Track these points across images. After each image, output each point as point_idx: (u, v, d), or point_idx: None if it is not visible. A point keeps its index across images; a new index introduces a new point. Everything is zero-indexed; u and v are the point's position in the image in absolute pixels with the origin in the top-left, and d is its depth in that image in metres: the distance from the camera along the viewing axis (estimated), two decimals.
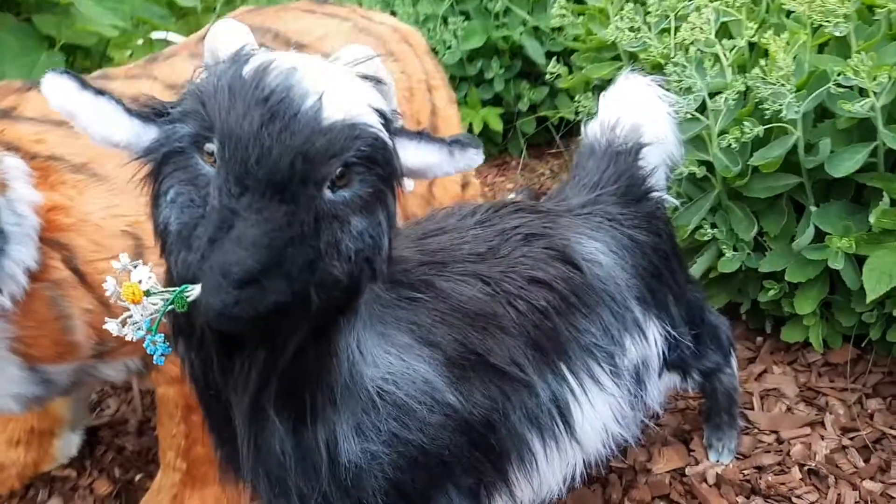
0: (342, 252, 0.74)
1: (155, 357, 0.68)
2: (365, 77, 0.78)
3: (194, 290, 0.68)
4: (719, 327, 1.39)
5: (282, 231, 0.67)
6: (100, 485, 1.65)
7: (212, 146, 0.71)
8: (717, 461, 1.46)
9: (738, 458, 1.46)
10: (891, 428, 1.46)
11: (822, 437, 1.48)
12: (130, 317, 0.67)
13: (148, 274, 0.67)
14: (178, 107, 0.74)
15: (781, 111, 1.33)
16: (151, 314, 0.67)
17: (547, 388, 1.01)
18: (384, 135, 0.76)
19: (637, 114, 1.32)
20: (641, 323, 1.16)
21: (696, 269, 1.63)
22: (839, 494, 1.35)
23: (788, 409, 1.56)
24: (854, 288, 1.44)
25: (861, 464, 1.41)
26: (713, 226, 1.60)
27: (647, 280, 1.18)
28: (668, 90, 1.38)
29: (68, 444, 1.68)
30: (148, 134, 0.76)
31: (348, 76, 0.76)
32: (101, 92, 0.75)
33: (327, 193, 0.72)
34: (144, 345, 0.68)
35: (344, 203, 0.73)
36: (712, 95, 1.49)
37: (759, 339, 1.76)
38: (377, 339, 0.89)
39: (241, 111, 0.69)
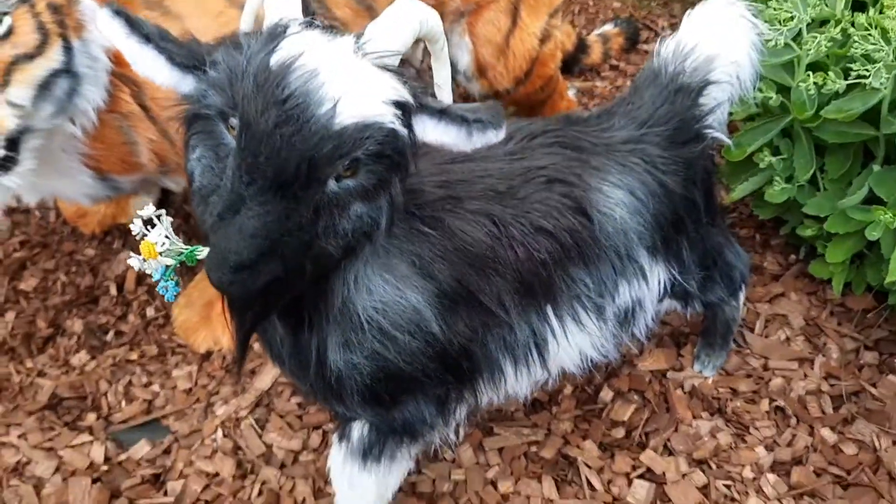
0: (339, 233, 0.82)
1: (167, 297, 0.81)
2: (390, 65, 0.81)
3: (203, 252, 0.79)
4: (734, 267, 1.43)
5: (280, 223, 0.76)
6: None
7: (235, 121, 0.77)
8: (700, 372, 1.58)
9: (719, 374, 1.58)
10: (872, 385, 1.54)
11: (805, 377, 1.56)
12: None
13: (162, 234, 0.78)
14: (212, 67, 0.80)
15: (868, 75, 1.26)
16: (165, 266, 0.79)
17: (527, 328, 1.12)
18: (399, 128, 0.81)
19: (717, 43, 1.27)
20: (646, 270, 1.22)
21: (743, 188, 1.63)
22: (793, 436, 1.47)
23: (787, 339, 1.63)
24: (888, 256, 1.44)
25: (829, 411, 1.51)
26: (774, 152, 1.57)
27: (664, 229, 1.23)
28: (760, 19, 1.31)
29: (142, 204, 1.89)
30: (185, 83, 0.82)
31: (372, 71, 0.79)
32: (146, 38, 0.80)
33: (331, 185, 0.79)
34: (157, 288, 0.81)
35: (346, 191, 0.80)
36: (811, 26, 1.39)
37: (793, 257, 1.78)
38: (378, 269, 1.00)
39: (260, 107, 0.74)
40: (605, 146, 1.21)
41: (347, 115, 0.76)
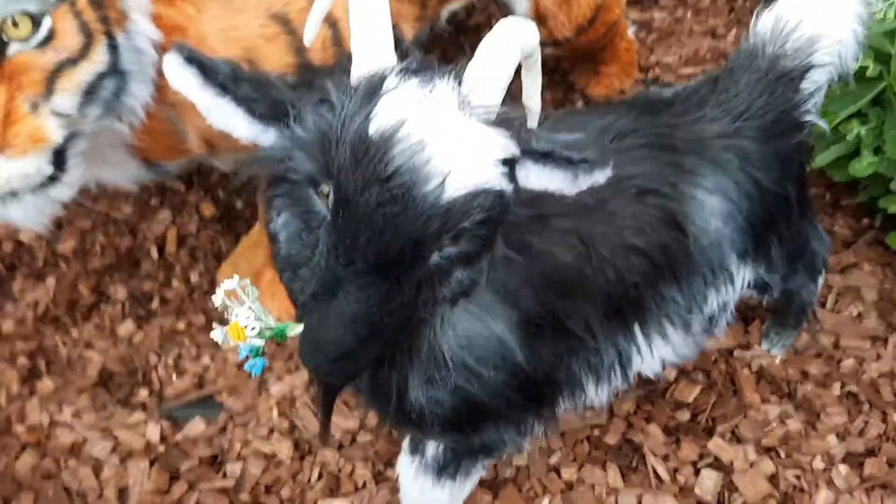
0: (438, 301, 0.75)
1: (253, 373, 0.75)
2: (497, 115, 0.71)
3: (295, 329, 0.72)
4: (818, 254, 1.35)
5: (381, 306, 0.69)
6: (205, 207, 1.81)
7: (328, 188, 0.69)
8: (768, 351, 1.53)
9: (788, 353, 1.52)
10: None
11: (879, 357, 1.51)
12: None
13: (251, 314, 0.71)
14: (298, 123, 0.70)
15: None
16: (253, 346, 0.72)
17: (613, 350, 1.06)
18: (507, 186, 0.72)
19: (821, 20, 1.15)
20: (734, 275, 1.15)
21: (824, 157, 1.52)
22: (866, 423, 1.43)
23: (859, 315, 1.57)
24: None
25: None
26: (862, 121, 1.45)
27: (756, 231, 1.14)
28: None
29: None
30: (267, 136, 0.73)
31: (480, 130, 0.69)
32: (223, 88, 0.70)
33: (433, 257, 0.71)
34: (245, 367, 0.74)
35: (448, 261, 0.73)
36: None
37: (866, 220, 1.69)
38: (462, 302, 0.93)
39: (360, 184, 0.65)
40: (697, 142, 1.11)
41: (456, 188, 0.67)
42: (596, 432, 1.45)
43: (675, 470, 1.41)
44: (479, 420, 1.02)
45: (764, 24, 1.18)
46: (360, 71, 0.71)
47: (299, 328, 0.72)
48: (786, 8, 1.17)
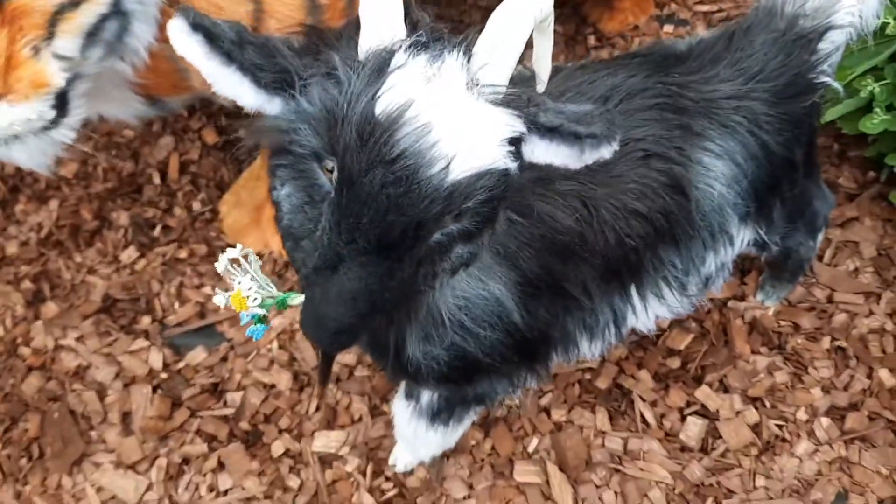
0: (438, 275, 0.76)
1: (254, 337, 0.76)
2: (506, 94, 0.70)
3: (296, 299, 0.73)
4: (819, 213, 1.35)
5: (381, 283, 0.69)
6: (207, 133, 1.79)
7: (332, 164, 0.68)
8: (762, 302, 1.54)
9: (781, 304, 1.54)
10: None
11: (871, 313, 1.53)
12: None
13: (253, 284, 0.72)
14: (305, 94, 0.69)
15: None
16: (254, 315, 0.73)
17: (609, 310, 1.08)
18: (511, 164, 0.72)
19: None
20: (734, 237, 1.15)
21: (836, 111, 1.50)
22: (851, 377, 1.46)
23: (856, 270, 1.58)
24: None
25: (890, 351, 1.49)
26: (877, 78, 1.43)
27: (760, 193, 1.14)
28: None
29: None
30: (272, 105, 0.72)
31: (488, 110, 0.68)
32: (229, 56, 0.69)
33: (435, 235, 0.71)
34: (247, 332, 0.75)
35: (450, 237, 0.73)
36: None
37: (872, 174, 1.68)
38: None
39: (365, 165, 0.65)
40: (707, 103, 1.09)
41: (461, 171, 0.67)
42: (587, 376, 1.48)
43: (662, 416, 1.45)
44: (473, 374, 1.04)
45: None
46: (368, 43, 0.70)
47: (300, 298, 0.73)
48: None
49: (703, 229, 1.08)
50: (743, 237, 1.19)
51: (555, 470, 1.38)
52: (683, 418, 1.44)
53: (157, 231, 1.69)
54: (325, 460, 1.42)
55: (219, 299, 0.75)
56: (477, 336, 0.97)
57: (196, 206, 1.71)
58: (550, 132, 0.76)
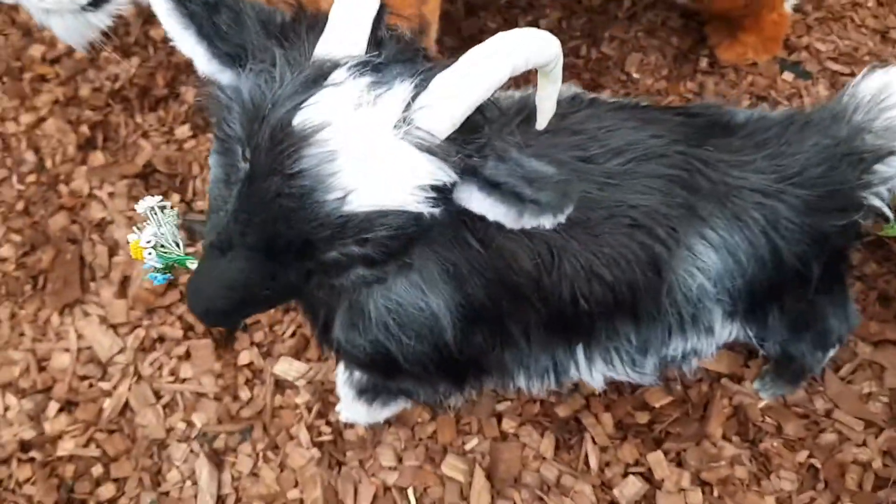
0: (333, 287, 0.76)
1: (154, 281, 0.79)
2: (437, 144, 0.68)
3: (195, 265, 0.75)
4: (832, 331, 1.26)
5: (263, 281, 0.71)
6: None
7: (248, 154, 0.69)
8: (756, 392, 1.47)
9: (776, 401, 1.47)
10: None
11: (863, 444, 1.43)
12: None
13: (148, 239, 0.74)
14: (248, 78, 0.69)
15: None
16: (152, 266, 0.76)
17: (549, 358, 1.05)
18: (428, 209, 0.70)
19: None
20: (715, 329, 1.10)
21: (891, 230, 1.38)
22: (812, 500, 1.38)
23: (869, 395, 1.47)
24: None
25: (867, 488, 1.40)
26: None
27: (755, 296, 1.07)
28: None
29: None
30: (224, 76, 0.72)
31: (409, 155, 0.67)
32: (190, 17, 0.70)
33: (330, 253, 0.71)
34: (145, 277, 0.79)
35: (349, 258, 0.73)
36: None
37: None
38: (406, 269, 0.94)
39: (268, 168, 0.66)
40: (727, 188, 1.02)
41: (359, 205, 0.66)
42: (552, 399, 1.47)
43: (607, 464, 1.42)
44: (393, 372, 1.05)
45: (866, 86, 1.04)
46: (324, 47, 0.69)
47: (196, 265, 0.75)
48: (888, 78, 1.03)
49: (671, 315, 1.03)
50: (730, 331, 1.14)
51: (481, 475, 1.39)
52: (626, 475, 1.41)
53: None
54: (281, 385, 1.48)
55: (132, 237, 0.78)
56: (400, 341, 0.98)
57: None
58: (491, 186, 0.74)
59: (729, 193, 1.02)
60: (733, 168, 1.03)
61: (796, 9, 1.85)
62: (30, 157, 1.67)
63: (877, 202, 1.08)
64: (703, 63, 1.82)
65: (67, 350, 1.49)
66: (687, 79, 1.80)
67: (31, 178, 1.65)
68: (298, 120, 0.65)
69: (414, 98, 0.68)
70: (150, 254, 0.76)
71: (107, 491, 1.37)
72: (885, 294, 1.56)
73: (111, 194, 1.63)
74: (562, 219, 0.76)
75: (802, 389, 1.47)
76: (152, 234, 0.76)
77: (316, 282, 0.74)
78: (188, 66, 1.79)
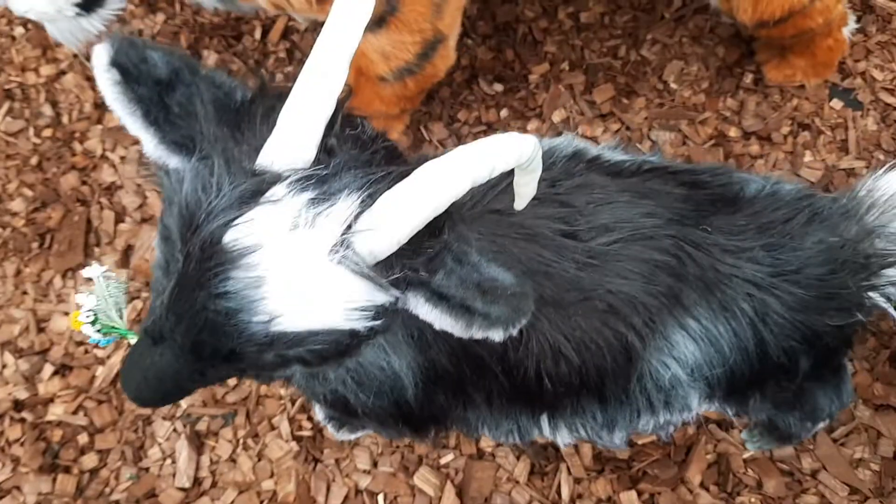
0: (270, 378, 0.75)
1: (99, 343, 0.79)
2: (373, 270, 0.65)
3: (135, 340, 0.75)
4: (823, 409, 1.21)
5: (192, 378, 0.70)
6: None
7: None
8: (743, 443, 1.44)
9: (762, 453, 1.44)
10: None
11: None
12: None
13: (88, 313, 0.73)
14: (189, 174, 0.66)
15: None
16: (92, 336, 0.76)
17: (513, 423, 1.04)
18: (363, 325, 0.68)
19: None
20: (692, 409, 1.06)
21: None
22: None
23: (859, 460, 1.43)
24: None
25: None
26: None
27: (736, 383, 1.03)
28: None
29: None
30: (172, 161, 0.70)
31: (343, 280, 0.64)
32: (139, 103, 0.67)
33: (265, 356, 0.70)
34: (89, 340, 0.78)
35: (283, 359, 0.71)
36: None
37: None
38: None
39: (196, 280, 0.63)
40: (717, 275, 0.97)
41: (286, 326, 0.64)
42: None
43: (579, 496, 1.42)
44: (353, 417, 1.05)
45: (886, 183, 0.97)
46: (270, 151, 0.65)
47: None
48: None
49: (640, 401, 1.00)
50: (707, 407, 1.10)
51: (451, 492, 1.41)
52: None
53: None
54: None
55: (80, 298, 0.78)
56: (358, 397, 0.97)
57: (279, 77, 1.71)
58: (439, 298, 0.71)
59: (718, 282, 0.97)
60: (727, 254, 0.98)
61: (859, 29, 1.72)
62: (47, 110, 1.67)
63: (882, 303, 1.02)
64: (748, 79, 1.71)
65: (67, 314, 1.52)
66: (728, 95, 1.70)
67: (47, 132, 1.65)
68: (229, 238, 0.62)
69: (358, 216, 0.65)
70: (87, 327, 0.76)
71: (90, 460, 1.42)
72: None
73: (123, 158, 1.63)
74: (513, 332, 0.73)
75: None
76: (92, 307, 0.76)
77: (249, 374, 0.73)
78: (214, 28, 1.75)
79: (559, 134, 1.65)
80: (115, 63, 0.65)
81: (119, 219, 1.59)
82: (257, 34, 1.75)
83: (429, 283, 0.70)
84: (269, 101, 0.70)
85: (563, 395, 0.99)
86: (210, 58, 1.72)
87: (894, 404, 1.46)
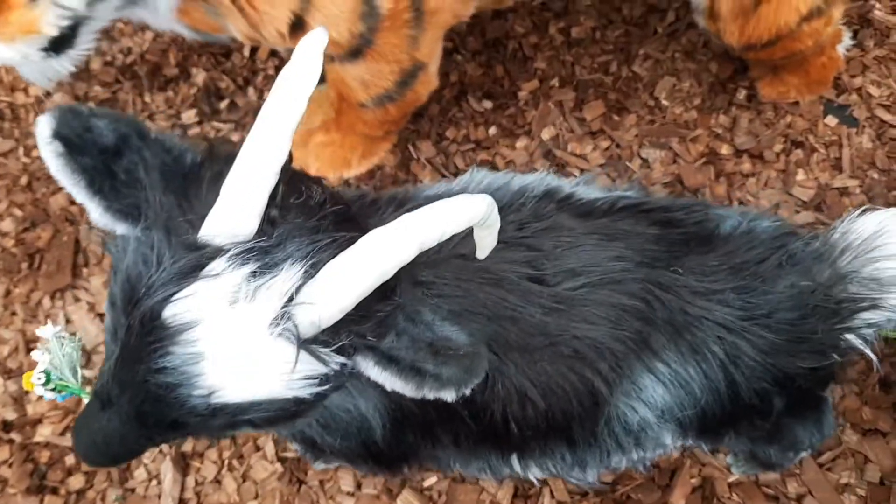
0: (222, 437, 0.75)
1: (58, 399, 0.79)
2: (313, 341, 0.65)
3: (85, 400, 0.75)
4: (802, 441, 1.20)
5: (139, 442, 0.70)
6: None
7: None
8: (728, 466, 1.44)
9: (746, 478, 1.43)
10: None
11: None
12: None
13: (39, 376, 0.74)
14: (133, 246, 0.66)
15: None
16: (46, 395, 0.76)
17: (483, 462, 1.04)
18: (308, 393, 0.68)
19: None
20: (666, 446, 1.06)
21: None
22: None
23: (846, 486, 1.42)
24: None
25: None
26: None
27: (708, 423, 1.03)
28: None
29: None
30: (119, 227, 0.70)
31: (284, 353, 0.64)
32: (83, 173, 0.67)
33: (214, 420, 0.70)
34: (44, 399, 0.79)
35: (230, 422, 0.71)
36: None
37: None
38: None
39: (136, 354, 0.64)
40: (686, 318, 0.96)
41: (226, 398, 0.64)
42: None
43: None
44: (321, 455, 1.05)
45: (860, 226, 0.95)
46: (209, 227, 0.65)
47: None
48: (893, 224, 0.93)
49: (609, 443, 0.99)
50: (683, 443, 1.10)
51: None
52: None
53: (223, 104, 1.71)
54: None
55: (35, 354, 0.78)
56: (324, 438, 0.97)
57: (266, 94, 1.70)
58: (388, 361, 0.71)
59: (688, 325, 0.96)
60: (698, 296, 0.97)
61: (856, 44, 1.69)
62: None
63: (859, 345, 1.00)
64: (741, 95, 1.69)
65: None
66: (720, 112, 1.68)
67: (36, 151, 1.66)
68: (168, 313, 0.62)
69: (300, 287, 0.65)
70: (40, 388, 0.76)
71: (76, 482, 1.44)
72: (887, 379, 1.48)
73: None
74: (466, 392, 0.73)
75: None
76: (45, 368, 0.76)
77: (203, 435, 0.73)
78: (202, 46, 1.75)
79: (547, 152, 1.65)
80: (58, 135, 0.65)
81: (105, 240, 1.59)
82: (246, 51, 1.75)
83: (377, 347, 0.70)
84: (218, 165, 0.70)
85: (531, 438, 0.98)
86: (199, 76, 1.72)
87: (883, 429, 1.45)
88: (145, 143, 0.70)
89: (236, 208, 0.65)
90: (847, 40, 1.61)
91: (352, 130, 1.47)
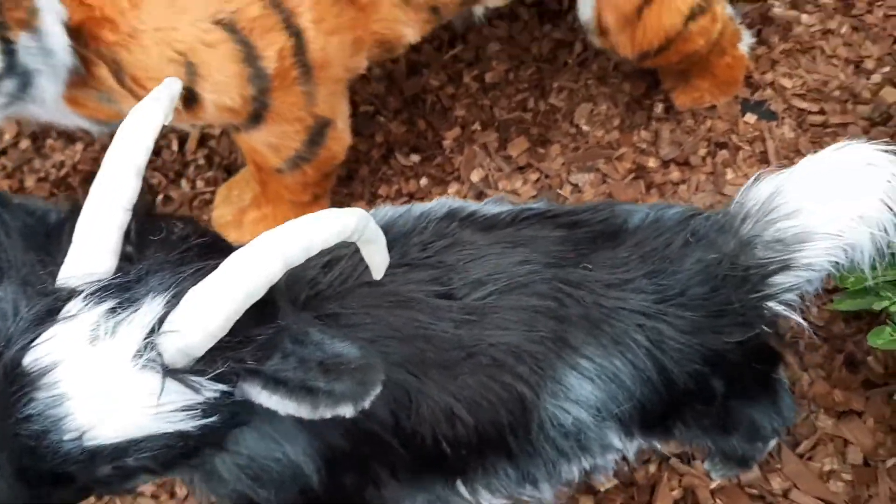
0: (123, 489, 0.74)
1: None
2: (184, 366, 0.64)
3: None
4: (761, 426, 1.17)
5: (35, 501, 0.68)
6: None
7: None
8: (707, 472, 1.40)
9: (728, 481, 1.39)
10: None
11: None
12: None
13: None
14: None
15: None
16: None
17: (431, 495, 1.01)
18: (192, 426, 0.67)
19: (827, 217, 0.93)
20: (617, 448, 1.04)
21: (845, 304, 1.28)
22: None
23: (830, 472, 1.37)
24: None
25: None
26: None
27: (649, 416, 1.01)
28: None
29: None
30: None
31: (152, 383, 0.63)
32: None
33: (101, 469, 0.69)
34: None
35: (122, 470, 0.70)
36: None
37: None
38: (257, 422, 0.90)
39: (3, 410, 0.63)
40: (602, 311, 0.95)
41: (100, 439, 0.63)
42: None
43: None
44: None
45: (755, 193, 0.96)
46: (66, 271, 0.66)
47: None
48: (791, 183, 0.94)
49: (548, 450, 0.97)
50: (635, 446, 1.07)
51: None
52: None
53: (157, 200, 1.74)
54: None
55: None
56: (258, 492, 0.95)
57: (200, 184, 1.74)
58: (276, 384, 0.70)
59: (605, 317, 0.95)
60: (611, 288, 0.96)
61: (761, 41, 1.74)
62: None
63: (783, 311, 0.99)
64: (659, 108, 1.72)
65: None
66: (641, 128, 1.71)
67: None
68: (29, 360, 0.62)
69: (164, 317, 0.64)
70: None
71: None
72: (852, 358, 1.46)
73: None
74: (365, 405, 0.72)
75: (757, 467, 1.39)
76: None
77: (106, 491, 0.72)
78: None
79: (479, 194, 1.67)
80: None
81: None
82: (174, 146, 1.79)
83: (261, 371, 0.69)
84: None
85: (468, 458, 0.96)
86: None
87: (857, 409, 1.42)
88: (6, 209, 0.71)
89: (88, 249, 0.65)
90: (748, 38, 1.65)
91: (280, 200, 1.49)
